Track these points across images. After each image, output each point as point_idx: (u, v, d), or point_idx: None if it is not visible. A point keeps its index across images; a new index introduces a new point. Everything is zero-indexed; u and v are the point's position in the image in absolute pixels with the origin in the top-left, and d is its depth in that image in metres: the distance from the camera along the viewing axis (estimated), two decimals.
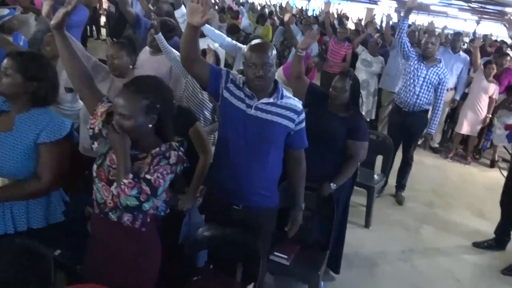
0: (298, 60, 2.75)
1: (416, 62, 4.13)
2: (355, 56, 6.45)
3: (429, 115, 4.29)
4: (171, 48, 3.07)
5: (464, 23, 24.51)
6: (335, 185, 2.71)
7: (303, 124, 2.12)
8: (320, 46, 7.75)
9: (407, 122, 4.24)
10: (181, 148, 1.64)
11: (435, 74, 4.08)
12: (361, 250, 3.50)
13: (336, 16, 12.44)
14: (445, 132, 6.61)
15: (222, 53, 4.31)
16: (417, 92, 4.12)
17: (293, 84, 2.89)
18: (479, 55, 5.92)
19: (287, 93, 2.11)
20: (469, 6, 18.56)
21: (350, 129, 2.71)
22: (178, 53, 2.86)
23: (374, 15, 17.82)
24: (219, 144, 2.19)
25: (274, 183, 2.18)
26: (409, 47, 4.16)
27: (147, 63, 3.25)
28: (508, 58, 6.55)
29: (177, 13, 4.35)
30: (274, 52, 2.01)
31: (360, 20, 14.88)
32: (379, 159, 4.12)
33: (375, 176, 3.97)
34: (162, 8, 4.33)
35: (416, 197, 4.63)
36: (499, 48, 7.53)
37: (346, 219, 2.97)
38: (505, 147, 6.29)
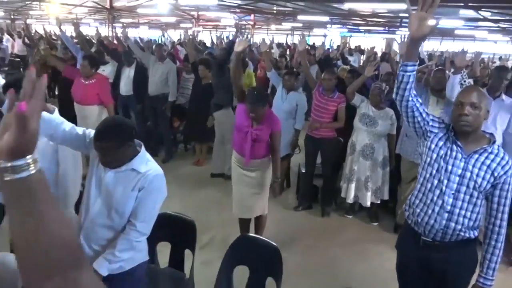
0: None
1: (442, 144, 2.05)
2: (351, 111, 4.39)
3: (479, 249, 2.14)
4: None
5: (495, 45, 22.13)
6: None
7: None
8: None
9: (433, 263, 2.10)
10: None
11: (485, 167, 1.97)
12: None
13: (347, 48, 10.49)
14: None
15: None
16: (448, 207, 2.01)
17: None
18: None
19: None
20: (498, 26, 16.32)
21: None
22: None
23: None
24: None
25: None
26: (422, 114, 2.09)
27: None
28: None
29: None
30: None
31: (372, 52, 12.31)
32: None
33: None
34: None
35: None
36: None
37: None
38: None
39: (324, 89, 4.41)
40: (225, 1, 14.84)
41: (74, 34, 6.87)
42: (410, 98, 2.03)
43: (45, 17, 19.85)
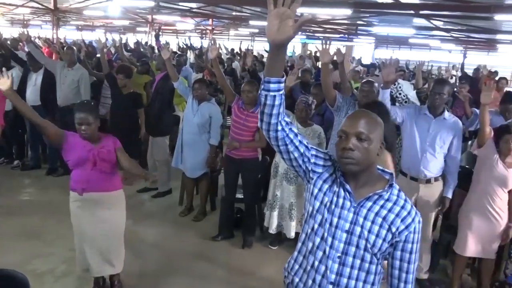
0: None
1: (327, 188, 1.53)
2: None
3: None
4: None
5: (449, 55, 22.46)
6: None
7: None
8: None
9: None
10: None
11: (380, 219, 1.45)
12: None
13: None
14: (436, 252, 3.82)
15: None
16: (332, 276, 1.48)
17: None
18: (487, 115, 3.29)
19: None
20: (451, 36, 16.44)
21: None
22: None
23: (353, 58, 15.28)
24: None
25: None
26: (299, 149, 1.56)
27: None
28: None
29: None
30: None
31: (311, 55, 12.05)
32: None
33: None
34: None
35: None
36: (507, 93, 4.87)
37: None
38: None
39: (244, 103, 3.86)
40: (178, 4, 14.23)
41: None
42: (280, 127, 1.48)
43: None
